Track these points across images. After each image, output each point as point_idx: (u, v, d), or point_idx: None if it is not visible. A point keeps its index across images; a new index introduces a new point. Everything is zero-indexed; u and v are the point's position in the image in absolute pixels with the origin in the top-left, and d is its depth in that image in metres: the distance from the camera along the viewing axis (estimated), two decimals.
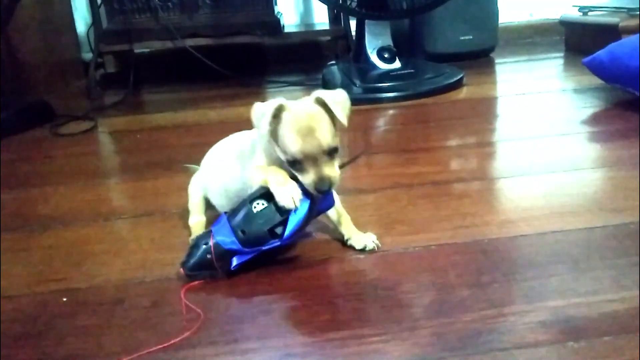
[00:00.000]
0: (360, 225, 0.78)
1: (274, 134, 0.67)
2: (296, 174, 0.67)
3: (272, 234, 0.67)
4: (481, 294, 0.61)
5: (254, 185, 0.70)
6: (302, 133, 0.65)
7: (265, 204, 0.67)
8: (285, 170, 0.69)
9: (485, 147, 1.14)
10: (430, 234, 0.76)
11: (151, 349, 0.55)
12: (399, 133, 1.31)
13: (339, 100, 0.68)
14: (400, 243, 0.74)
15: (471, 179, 0.96)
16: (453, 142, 1.20)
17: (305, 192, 0.67)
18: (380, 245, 0.73)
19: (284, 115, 0.66)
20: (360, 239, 0.73)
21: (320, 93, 0.67)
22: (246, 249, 0.66)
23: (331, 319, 0.59)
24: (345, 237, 0.74)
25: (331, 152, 0.66)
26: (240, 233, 0.66)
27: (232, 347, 0.55)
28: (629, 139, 1.08)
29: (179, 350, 0.55)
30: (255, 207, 0.67)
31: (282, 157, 0.67)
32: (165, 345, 0.55)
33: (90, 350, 0.56)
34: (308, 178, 0.66)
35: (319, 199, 0.68)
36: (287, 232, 0.66)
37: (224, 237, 0.66)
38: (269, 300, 0.63)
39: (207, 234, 0.68)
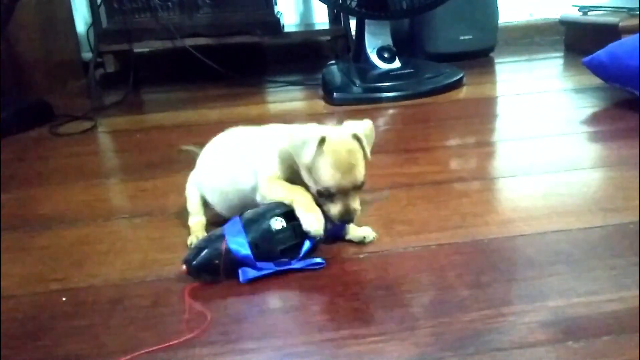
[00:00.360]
0: (360, 225, 0.79)
1: (310, 164, 0.69)
2: (322, 202, 0.70)
3: (282, 253, 0.67)
4: (481, 294, 0.61)
5: (272, 198, 0.71)
6: (342, 169, 0.67)
7: (285, 224, 0.68)
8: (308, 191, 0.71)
9: (485, 147, 1.14)
10: (430, 234, 0.76)
11: (151, 349, 0.55)
12: (399, 133, 1.31)
13: (369, 134, 0.72)
14: (400, 243, 0.74)
15: (471, 179, 0.96)
16: (453, 142, 1.20)
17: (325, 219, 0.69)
18: (377, 235, 0.74)
19: (325, 148, 0.68)
20: (358, 231, 0.75)
21: (355, 128, 0.71)
22: (257, 265, 0.66)
23: (331, 319, 0.59)
24: (344, 232, 0.75)
25: (360, 186, 0.69)
26: (254, 247, 0.66)
27: (232, 347, 0.55)
28: (629, 139, 1.08)
29: (179, 350, 0.55)
30: (273, 224, 0.68)
31: (314, 186, 0.69)
32: (166, 345, 0.55)
33: (90, 350, 0.56)
34: (335, 209, 0.69)
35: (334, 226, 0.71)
36: (301, 254, 0.68)
37: (239, 247, 0.66)
38: (269, 300, 0.63)
39: (219, 238, 0.67)
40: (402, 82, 1.60)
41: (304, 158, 0.68)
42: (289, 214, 0.68)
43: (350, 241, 0.74)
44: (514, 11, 2.36)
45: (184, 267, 0.66)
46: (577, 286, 0.61)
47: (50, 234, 0.85)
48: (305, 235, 0.68)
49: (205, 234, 0.75)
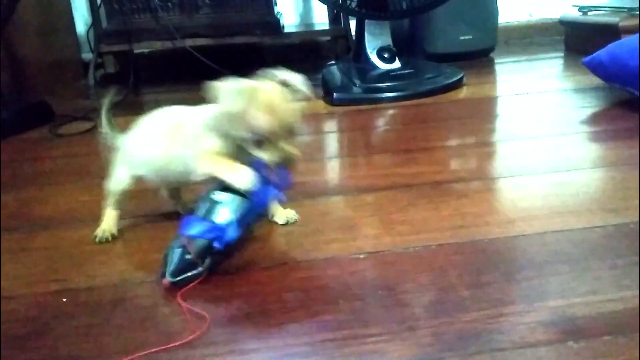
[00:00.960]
0: (360, 225, 0.79)
1: (238, 113, 0.68)
2: (257, 152, 0.69)
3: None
4: (481, 294, 0.61)
5: (199, 174, 0.72)
6: (272, 112, 0.67)
7: (226, 195, 0.68)
8: (240, 152, 0.70)
9: (485, 147, 1.14)
10: (430, 234, 0.76)
11: (152, 350, 0.55)
12: (399, 133, 1.31)
13: (298, 78, 0.73)
14: (400, 243, 0.74)
15: (471, 179, 0.96)
16: (453, 142, 1.20)
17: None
18: (298, 218, 0.81)
19: (255, 94, 0.68)
20: (283, 214, 0.80)
21: (280, 74, 0.72)
22: (221, 227, 0.66)
23: (331, 319, 0.59)
24: (270, 214, 0.78)
25: (294, 131, 0.70)
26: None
27: (232, 347, 0.55)
28: (629, 139, 1.08)
29: (179, 350, 0.55)
30: (217, 197, 0.68)
31: (246, 135, 0.68)
32: (166, 346, 0.55)
33: (90, 350, 0.56)
34: (270, 154, 0.68)
35: (278, 177, 0.69)
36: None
37: (195, 229, 0.65)
38: (268, 300, 0.63)
39: (176, 238, 0.67)
40: (402, 83, 1.60)
41: (236, 106, 0.68)
42: (225, 186, 0.68)
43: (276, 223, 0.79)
44: (513, 11, 2.36)
45: (164, 281, 0.65)
46: (577, 286, 0.61)
47: (50, 234, 0.85)
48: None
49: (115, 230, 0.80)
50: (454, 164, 1.06)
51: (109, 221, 0.82)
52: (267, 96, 0.69)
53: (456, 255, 0.70)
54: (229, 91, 0.69)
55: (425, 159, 1.08)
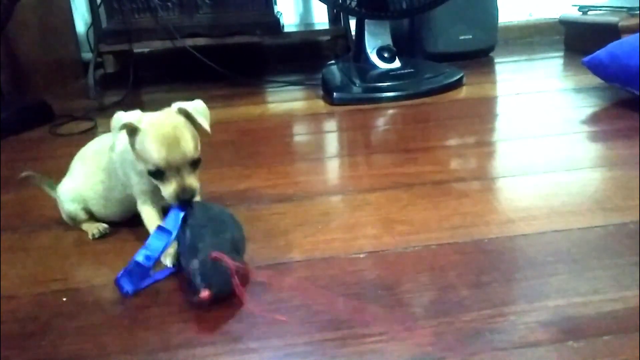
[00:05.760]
0: (360, 225, 0.79)
1: (135, 148, 0.68)
2: (157, 184, 0.68)
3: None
4: (481, 294, 0.61)
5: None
6: (165, 142, 0.66)
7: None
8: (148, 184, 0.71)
9: (485, 147, 1.14)
10: (430, 233, 0.76)
11: (152, 349, 0.55)
12: (399, 133, 1.31)
13: (200, 109, 0.70)
14: (400, 243, 0.74)
15: (471, 178, 0.96)
16: (453, 142, 1.20)
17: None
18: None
19: (146, 126, 0.67)
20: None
21: (181, 104, 0.69)
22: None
23: (331, 319, 0.59)
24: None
25: (194, 163, 0.68)
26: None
27: (232, 347, 0.55)
28: (629, 139, 1.09)
29: (179, 350, 0.55)
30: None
31: (144, 167, 0.68)
32: (166, 345, 0.55)
33: (90, 350, 0.56)
34: (170, 188, 0.67)
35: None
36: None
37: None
38: (268, 300, 0.63)
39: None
40: (402, 82, 1.60)
41: (121, 146, 0.69)
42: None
43: None
44: (513, 11, 2.36)
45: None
46: (577, 286, 0.61)
47: (50, 234, 0.85)
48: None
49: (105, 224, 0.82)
50: (454, 164, 1.06)
51: (93, 221, 0.84)
52: (163, 126, 0.67)
53: (456, 255, 0.70)
54: (118, 121, 0.68)
55: (425, 159, 1.08)
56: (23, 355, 0.57)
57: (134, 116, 0.68)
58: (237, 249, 0.66)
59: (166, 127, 0.66)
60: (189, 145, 0.67)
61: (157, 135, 0.66)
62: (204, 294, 0.59)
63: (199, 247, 0.63)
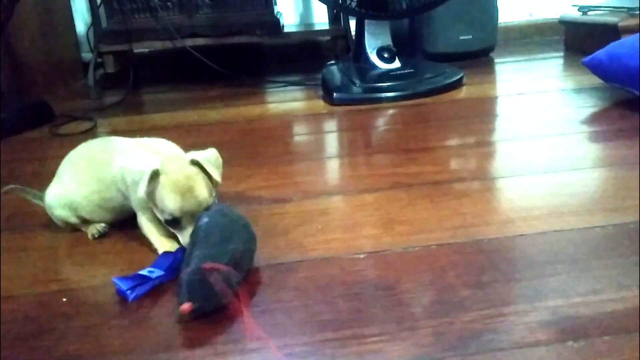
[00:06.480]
0: (360, 225, 0.79)
1: (151, 196, 0.71)
2: (174, 231, 0.72)
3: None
4: (481, 294, 0.61)
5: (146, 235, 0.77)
6: (181, 192, 0.69)
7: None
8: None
9: (485, 147, 1.14)
10: (430, 234, 0.76)
11: (151, 349, 0.55)
12: (399, 133, 1.31)
13: (212, 159, 0.74)
14: (400, 243, 0.74)
15: (471, 178, 0.96)
16: (453, 142, 1.20)
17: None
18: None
19: (162, 178, 0.70)
20: None
21: (194, 155, 0.73)
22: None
23: (331, 319, 0.59)
24: None
25: (208, 209, 0.70)
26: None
27: (232, 347, 0.55)
28: (629, 139, 1.09)
29: (179, 350, 0.55)
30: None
31: (161, 216, 0.72)
32: (166, 345, 0.55)
33: (90, 350, 0.56)
34: (186, 235, 0.70)
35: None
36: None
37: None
38: (268, 300, 0.63)
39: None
40: (402, 82, 1.60)
41: (140, 192, 0.70)
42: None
43: None
44: (513, 11, 2.36)
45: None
46: (577, 286, 0.61)
47: (50, 234, 0.85)
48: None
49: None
50: (454, 164, 1.06)
51: (87, 224, 0.84)
52: (177, 176, 0.70)
53: (456, 255, 0.70)
54: (134, 176, 0.72)
55: (425, 159, 1.08)
56: (23, 355, 0.57)
57: (151, 168, 0.70)
58: (238, 261, 0.64)
59: (180, 178, 0.70)
60: (203, 194, 0.71)
61: (172, 187, 0.70)
62: (185, 306, 0.58)
63: (194, 254, 0.63)
